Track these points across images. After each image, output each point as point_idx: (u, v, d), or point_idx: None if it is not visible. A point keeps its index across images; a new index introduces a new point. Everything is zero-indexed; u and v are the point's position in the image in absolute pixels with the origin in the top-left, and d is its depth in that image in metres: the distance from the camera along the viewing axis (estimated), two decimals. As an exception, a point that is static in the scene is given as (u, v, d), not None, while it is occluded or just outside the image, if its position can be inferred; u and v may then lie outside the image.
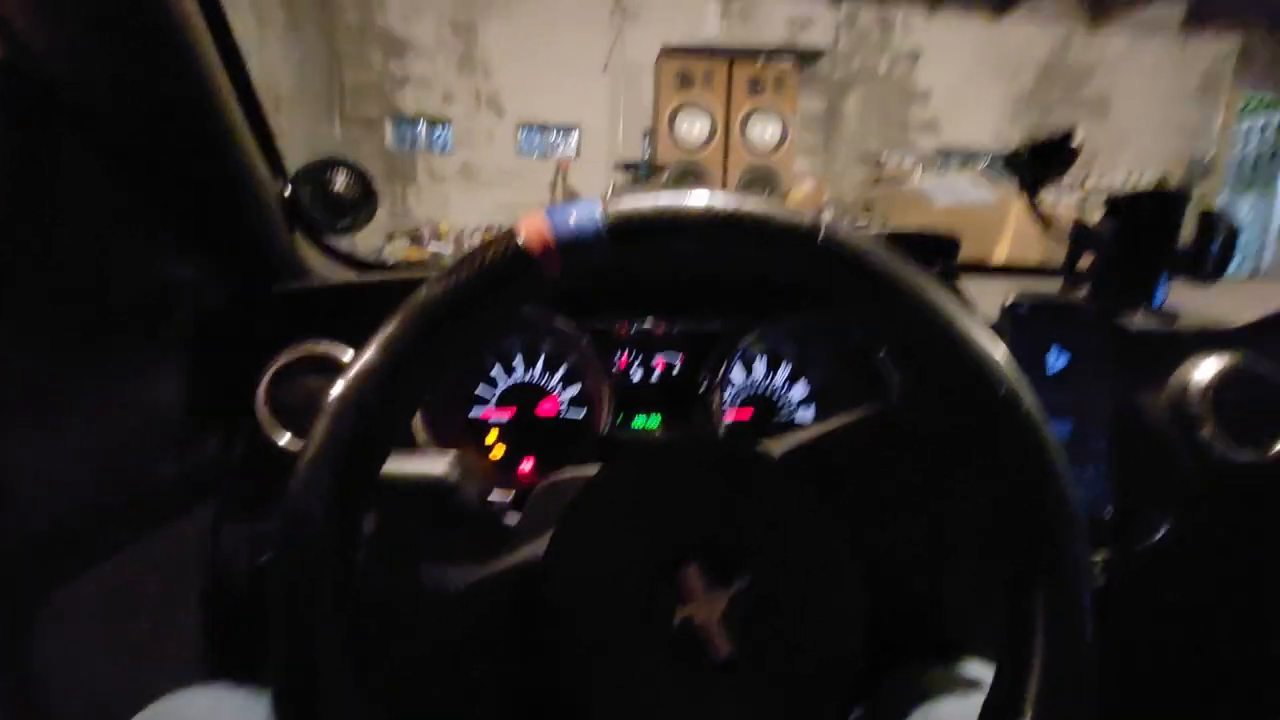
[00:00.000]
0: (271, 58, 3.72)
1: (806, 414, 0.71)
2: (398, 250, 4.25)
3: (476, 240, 4.47)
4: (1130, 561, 0.52)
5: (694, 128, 4.32)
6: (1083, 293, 0.57)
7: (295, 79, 3.98)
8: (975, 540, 0.43)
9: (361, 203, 0.60)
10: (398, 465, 0.48)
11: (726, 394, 0.70)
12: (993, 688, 0.35)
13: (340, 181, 0.59)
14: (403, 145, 4.81)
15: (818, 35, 4.69)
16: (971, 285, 0.79)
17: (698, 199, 0.36)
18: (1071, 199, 4.59)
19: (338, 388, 0.32)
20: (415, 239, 4.42)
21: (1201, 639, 0.59)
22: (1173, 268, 0.55)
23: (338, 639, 0.32)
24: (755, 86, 4.31)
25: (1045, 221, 0.69)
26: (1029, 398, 0.35)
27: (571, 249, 0.34)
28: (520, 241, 0.34)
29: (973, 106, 4.86)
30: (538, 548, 0.39)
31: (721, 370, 0.64)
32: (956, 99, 4.83)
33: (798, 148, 4.63)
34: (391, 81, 4.59)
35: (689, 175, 4.29)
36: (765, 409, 0.71)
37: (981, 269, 0.88)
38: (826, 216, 0.37)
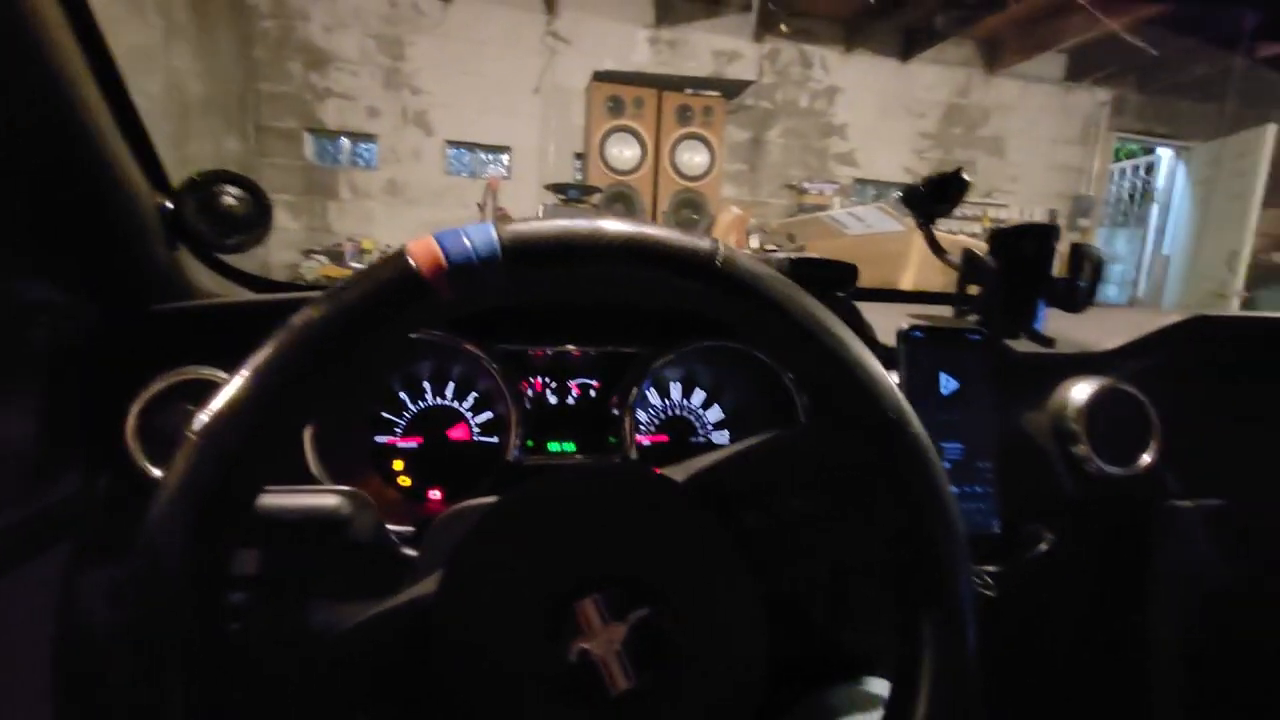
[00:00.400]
0: (179, 64, 3.51)
1: (722, 436, 0.72)
2: (316, 267, 4.07)
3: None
4: (1019, 572, 0.55)
5: (625, 152, 4.39)
6: (972, 319, 0.61)
7: (206, 87, 3.77)
8: (877, 562, 0.44)
9: (255, 219, 0.56)
10: (286, 500, 0.45)
11: (643, 417, 0.70)
12: (888, 706, 0.36)
13: (230, 196, 0.55)
14: (324, 160, 4.64)
15: (743, 68, 4.88)
16: (879, 310, 0.83)
17: (593, 224, 0.35)
18: (974, 228, 4.95)
19: (202, 417, 0.30)
20: (335, 256, 4.24)
21: (1085, 640, 0.64)
22: (1049, 297, 0.59)
23: (196, 695, 0.29)
24: (684, 114, 4.43)
25: (941, 251, 0.74)
26: (915, 423, 0.36)
27: (465, 272, 0.33)
28: (411, 264, 0.33)
29: (885, 141, 5.18)
30: (431, 583, 0.37)
31: (633, 393, 0.64)
32: (871, 133, 5.14)
33: (725, 175, 4.79)
34: (313, 94, 4.44)
35: (621, 198, 4.34)
36: (682, 432, 0.71)
37: (890, 294, 0.92)
38: (724, 243, 0.37)
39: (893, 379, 0.56)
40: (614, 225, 0.36)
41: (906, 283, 1.35)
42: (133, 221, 0.50)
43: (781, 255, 0.55)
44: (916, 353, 0.54)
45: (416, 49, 4.48)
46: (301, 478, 0.54)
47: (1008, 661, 0.62)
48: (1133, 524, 0.61)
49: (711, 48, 4.86)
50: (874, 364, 0.37)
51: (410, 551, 0.48)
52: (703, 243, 0.36)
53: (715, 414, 0.72)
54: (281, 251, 4.41)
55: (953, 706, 0.35)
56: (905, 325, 0.54)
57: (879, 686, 0.50)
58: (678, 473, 0.40)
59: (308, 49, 4.36)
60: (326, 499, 0.44)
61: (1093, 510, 0.60)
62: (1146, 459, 0.60)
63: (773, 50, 4.92)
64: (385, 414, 0.66)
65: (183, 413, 0.51)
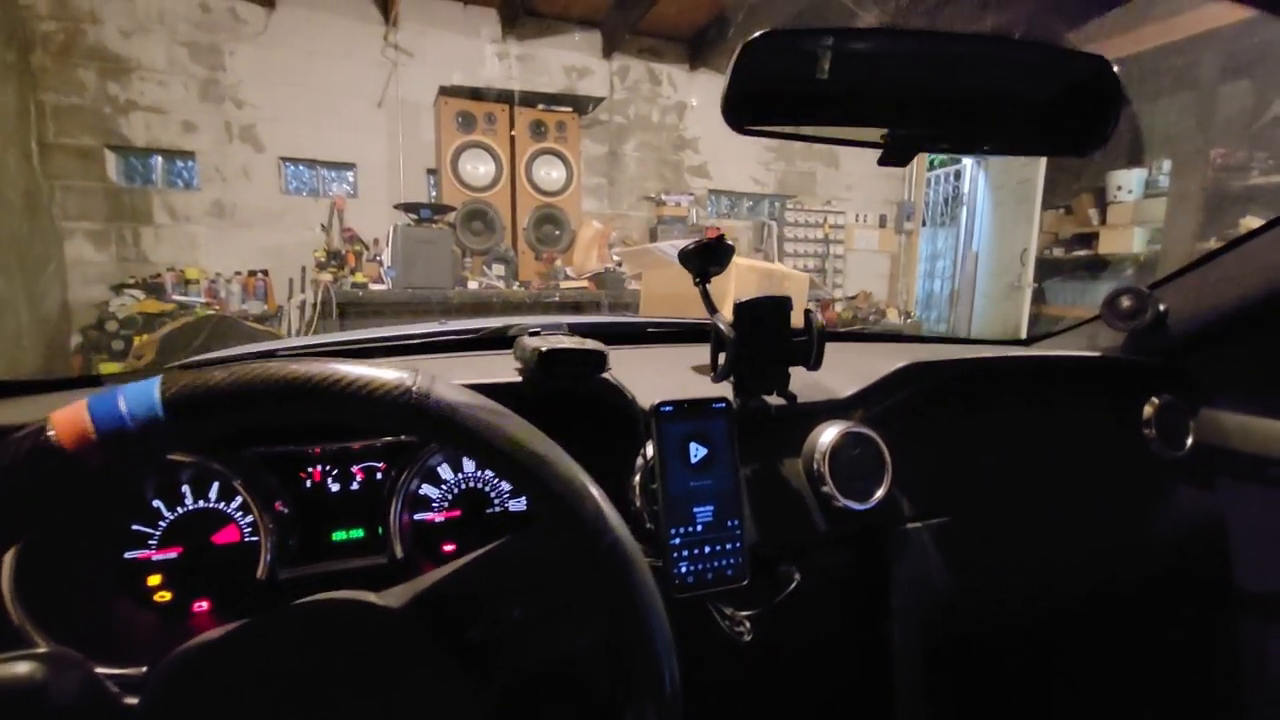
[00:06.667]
0: (-75, 73, 2.97)
1: (519, 504, 0.73)
2: (129, 304, 3.61)
3: (235, 287, 3.96)
4: (773, 613, 0.62)
5: (479, 168, 4.31)
6: (728, 382, 0.66)
7: (-35, 99, 3.22)
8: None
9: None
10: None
11: (434, 494, 0.69)
12: None
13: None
14: (132, 180, 4.12)
15: (594, 84, 4.96)
16: (682, 354, 0.89)
17: (275, 368, 0.35)
18: (817, 234, 5.35)
19: None
20: (154, 289, 3.79)
21: (839, 658, 0.72)
22: (792, 358, 0.67)
23: None
24: (538, 130, 4.43)
25: (714, 310, 0.80)
26: (614, 530, 0.39)
27: (120, 439, 0.32)
28: (51, 438, 0.31)
29: (734, 154, 5.48)
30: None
31: (403, 477, 0.63)
32: (720, 147, 5.41)
33: (585, 189, 4.84)
34: (113, 106, 3.93)
35: (478, 216, 4.25)
36: (477, 503, 0.71)
37: (690, 334, 0.99)
38: (423, 377, 0.38)
39: (649, 449, 0.60)
40: (297, 368, 0.36)
41: (727, 312, 1.45)
42: None
43: (533, 344, 0.58)
44: (666, 426, 0.58)
45: (238, 59, 4.11)
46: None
47: (771, 689, 0.69)
48: (874, 548, 0.70)
49: (562, 63, 4.89)
50: (575, 477, 0.39)
51: (132, 700, 0.44)
52: (395, 378, 0.37)
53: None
54: (85, 288, 3.87)
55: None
56: (654, 401, 0.58)
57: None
58: (400, 594, 0.41)
59: (102, 56, 3.86)
60: (18, 666, 0.40)
61: (839, 543, 0.68)
62: (880, 493, 0.68)
63: (622, 67, 5.04)
64: (137, 526, 0.60)
65: None
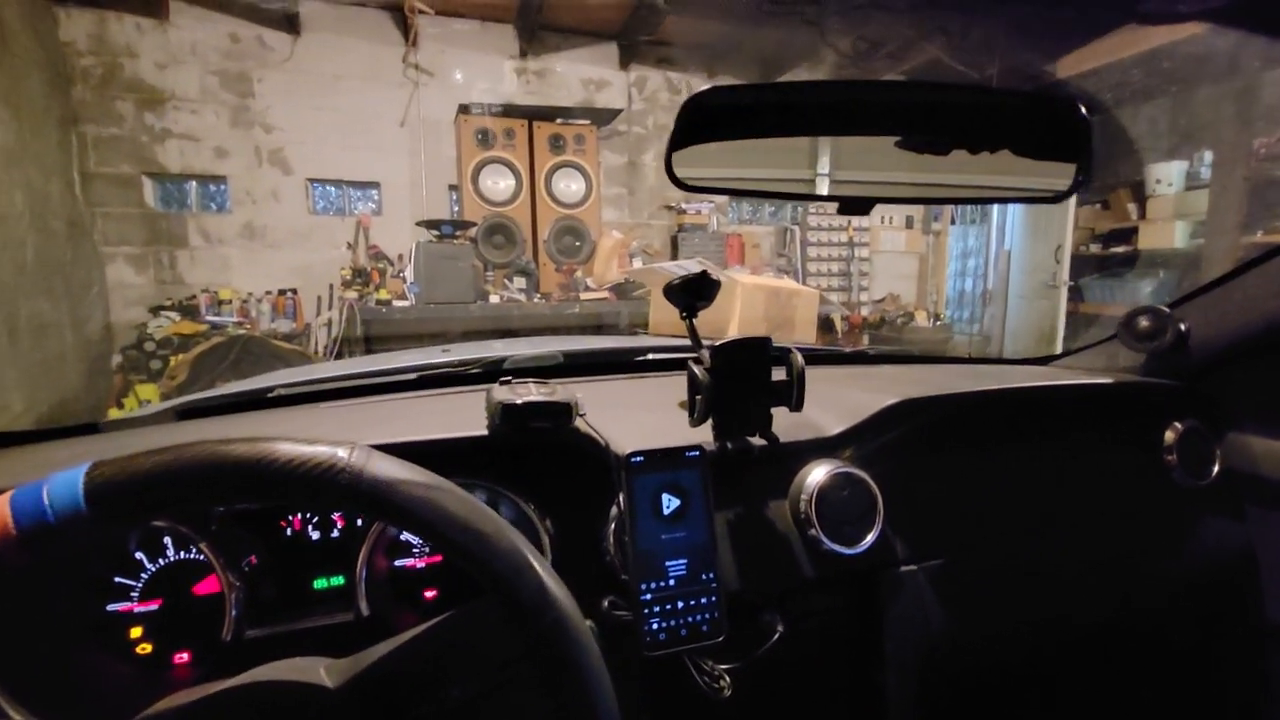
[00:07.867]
0: (-29, 111, 3.13)
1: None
2: (166, 325, 3.74)
3: (266, 306, 4.07)
4: (755, 665, 0.59)
5: (499, 184, 4.35)
6: (707, 426, 0.65)
7: (10, 133, 3.38)
8: None
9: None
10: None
11: (417, 539, 0.69)
12: None
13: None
14: (169, 205, 4.28)
15: (612, 96, 4.98)
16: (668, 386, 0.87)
17: (204, 450, 0.35)
18: (841, 237, 5.26)
19: None
20: (189, 311, 3.92)
21: (827, 707, 0.69)
22: (774, 399, 0.64)
23: None
24: (556, 143, 4.45)
25: (699, 344, 0.78)
26: (558, 606, 0.38)
27: (43, 535, 0.32)
28: (-27, 535, 0.31)
29: (754, 160, 5.42)
30: None
31: (374, 524, 0.63)
32: (740, 153, 5.37)
33: (605, 200, 4.85)
34: (149, 135, 4.09)
35: (499, 230, 4.29)
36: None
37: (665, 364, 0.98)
38: (359, 452, 0.38)
39: (622, 499, 0.58)
40: (227, 450, 0.35)
41: (731, 330, 1.43)
42: None
43: (499, 399, 0.57)
44: (637, 478, 0.56)
45: (266, 85, 4.24)
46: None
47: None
48: (865, 592, 0.67)
49: (580, 76, 4.92)
50: (516, 551, 0.38)
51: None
52: (328, 455, 0.36)
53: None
54: (126, 310, 4.03)
55: None
56: (625, 452, 0.57)
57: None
58: (344, 670, 0.40)
59: (139, 87, 4.02)
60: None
61: (828, 585, 0.66)
62: (871, 537, 0.65)
63: (640, 77, 5.05)
64: (119, 578, 0.61)
65: None
